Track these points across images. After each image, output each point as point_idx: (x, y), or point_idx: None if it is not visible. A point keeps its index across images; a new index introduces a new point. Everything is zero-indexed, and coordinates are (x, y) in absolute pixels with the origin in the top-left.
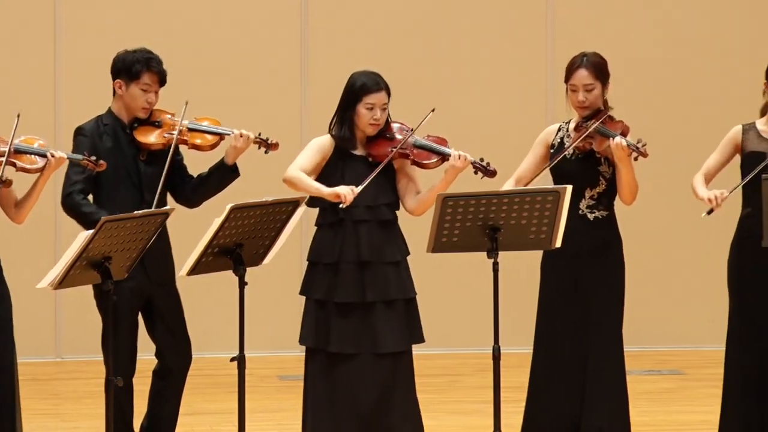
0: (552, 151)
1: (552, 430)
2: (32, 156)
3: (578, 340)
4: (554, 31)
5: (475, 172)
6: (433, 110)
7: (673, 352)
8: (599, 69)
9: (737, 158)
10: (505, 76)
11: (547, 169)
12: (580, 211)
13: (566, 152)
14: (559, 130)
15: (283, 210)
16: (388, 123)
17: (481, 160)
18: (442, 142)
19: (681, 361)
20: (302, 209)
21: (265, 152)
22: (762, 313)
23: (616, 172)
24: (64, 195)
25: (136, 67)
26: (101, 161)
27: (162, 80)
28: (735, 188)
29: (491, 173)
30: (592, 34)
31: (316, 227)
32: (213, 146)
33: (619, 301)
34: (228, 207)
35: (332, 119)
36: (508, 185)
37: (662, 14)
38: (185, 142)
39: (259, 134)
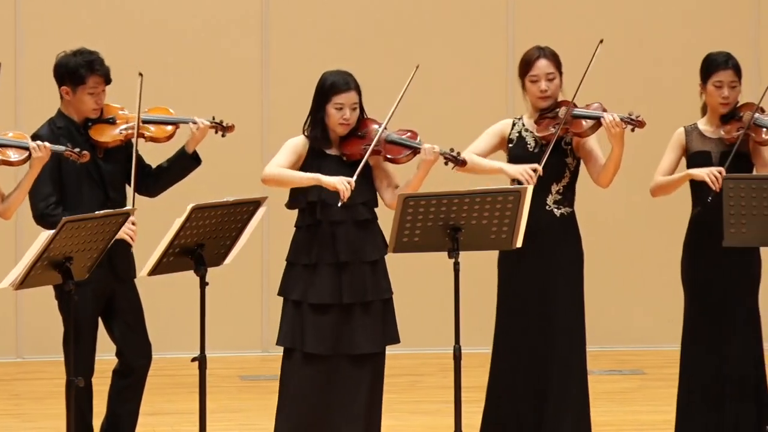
0: (510, 145)
1: (511, 430)
2: (9, 149)
3: (539, 340)
4: (515, 25)
5: (446, 163)
6: (417, 67)
7: (633, 352)
8: (557, 60)
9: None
10: (467, 71)
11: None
12: (547, 207)
13: (547, 149)
14: (513, 125)
15: (244, 210)
16: (361, 120)
17: (451, 150)
18: (413, 135)
19: (641, 360)
20: (263, 209)
21: (222, 135)
22: (715, 311)
23: (585, 160)
24: (40, 211)
25: (80, 72)
26: (84, 152)
27: (107, 80)
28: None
29: (461, 162)
30: (552, 30)
31: (295, 228)
32: (169, 137)
33: (581, 299)
34: (189, 207)
35: (306, 120)
36: (468, 154)
37: (622, 11)
38: (142, 135)
39: (213, 118)
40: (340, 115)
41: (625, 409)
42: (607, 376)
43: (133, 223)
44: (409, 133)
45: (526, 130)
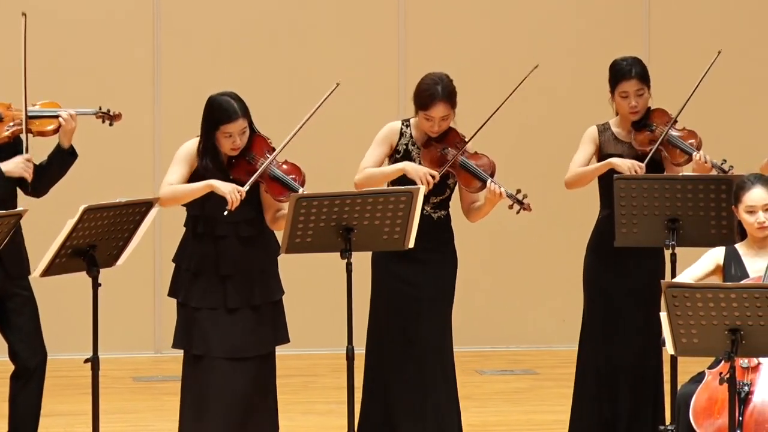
0: (398, 156)
1: (383, 428)
2: None
3: (406, 338)
4: (406, 34)
5: None
6: (337, 84)
7: (526, 352)
8: (454, 98)
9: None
10: (359, 79)
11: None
12: (424, 212)
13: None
14: (401, 134)
15: (136, 211)
16: (253, 138)
17: None
18: (297, 171)
19: (534, 360)
20: (156, 210)
21: (110, 125)
22: (616, 315)
23: (465, 198)
24: None
25: None
26: None
27: None
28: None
29: None
30: (442, 38)
31: (184, 227)
32: (56, 130)
33: (451, 300)
34: (81, 208)
35: (199, 140)
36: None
37: (513, 21)
38: (30, 131)
39: (100, 108)
40: (230, 142)
41: (517, 409)
42: (500, 376)
43: (27, 160)
44: (293, 173)
45: (413, 144)
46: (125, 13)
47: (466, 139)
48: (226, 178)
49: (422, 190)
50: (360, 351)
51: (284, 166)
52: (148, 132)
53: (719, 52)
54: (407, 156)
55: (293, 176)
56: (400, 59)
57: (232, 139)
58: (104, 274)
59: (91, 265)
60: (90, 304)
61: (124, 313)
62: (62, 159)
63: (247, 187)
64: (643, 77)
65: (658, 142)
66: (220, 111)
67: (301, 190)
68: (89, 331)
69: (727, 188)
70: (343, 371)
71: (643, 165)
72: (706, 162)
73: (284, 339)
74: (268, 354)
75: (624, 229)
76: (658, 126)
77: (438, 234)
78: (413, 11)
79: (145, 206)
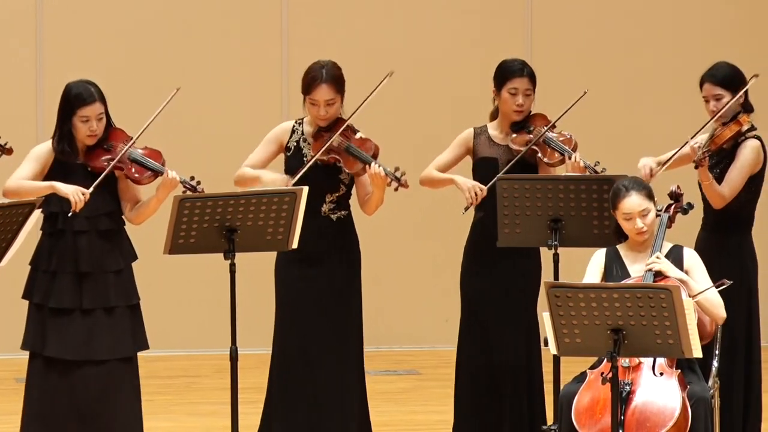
0: (288, 154)
1: (289, 430)
2: None
3: (316, 343)
4: (289, 30)
5: (184, 192)
6: (177, 89)
7: (408, 353)
8: (340, 83)
9: (468, 161)
10: (241, 78)
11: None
12: (322, 213)
13: (307, 166)
14: (293, 132)
15: (18, 212)
16: (109, 130)
17: (192, 178)
18: (157, 156)
19: (417, 361)
20: (38, 212)
21: None
22: (492, 313)
23: (360, 190)
24: None
25: None
26: None
27: None
28: (490, 184)
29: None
30: (326, 36)
31: (41, 232)
32: None
33: (358, 302)
34: None
35: (55, 131)
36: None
37: (398, 19)
38: None
39: None
40: (86, 127)
41: (401, 410)
42: (383, 376)
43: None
44: (154, 153)
45: (305, 140)
46: (7, 12)
47: (354, 127)
48: (82, 167)
49: (305, 191)
50: (244, 351)
51: (144, 150)
52: (31, 135)
53: (585, 92)
54: (298, 152)
55: (154, 159)
56: (284, 59)
57: (89, 124)
58: None
59: None
60: None
61: (5, 315)
62: None
63: (92, 189)
64: (533, 78)
65: (533, 141)
66: (76, 95)
67: (166, 171)
68: None
69: (609, 189)
70: (227, 372)
71: (484, 188)
72: (580, 164)
73: (143, 345)
74: (127, 358)
75: (506, 230)
76: (536, 128)
77: (339, 236)
78: (295, 11)
79: (28, 208)
